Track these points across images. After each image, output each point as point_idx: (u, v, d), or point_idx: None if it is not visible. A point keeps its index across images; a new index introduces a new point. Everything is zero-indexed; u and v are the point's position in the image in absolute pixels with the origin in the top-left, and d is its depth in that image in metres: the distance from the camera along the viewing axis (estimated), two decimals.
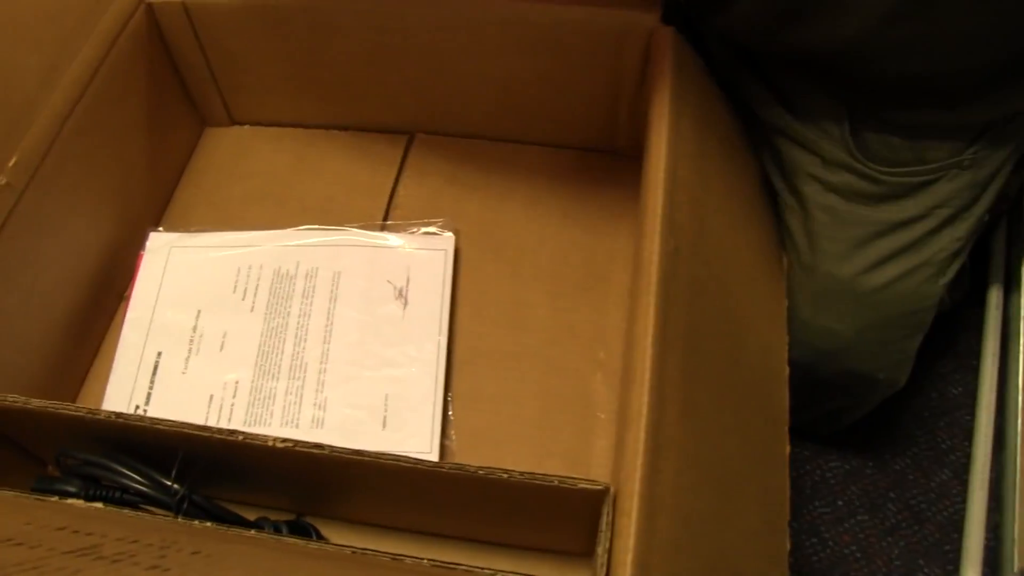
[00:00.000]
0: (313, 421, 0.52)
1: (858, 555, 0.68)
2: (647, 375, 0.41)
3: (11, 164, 0.50)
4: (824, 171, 0.55)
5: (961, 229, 0.55)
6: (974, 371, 0.74)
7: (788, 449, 0.53)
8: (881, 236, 0.55)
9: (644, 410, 0.40)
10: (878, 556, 0.67)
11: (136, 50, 0.59)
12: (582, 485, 0.40)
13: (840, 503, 0.68)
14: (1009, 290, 0.73)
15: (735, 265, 0.54)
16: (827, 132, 0.54)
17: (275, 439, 0.41)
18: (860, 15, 0.46)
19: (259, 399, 0.53)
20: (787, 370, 0.55)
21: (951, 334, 0.76)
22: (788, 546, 0.51)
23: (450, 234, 0.58)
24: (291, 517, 0.49)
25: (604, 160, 0.62)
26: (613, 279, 0.56)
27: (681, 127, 0.50)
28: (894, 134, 0.53)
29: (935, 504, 0.68)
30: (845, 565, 0.67)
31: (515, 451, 0.51)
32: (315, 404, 0.53)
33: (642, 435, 0.39)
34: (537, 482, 0.40)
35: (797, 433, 0.58)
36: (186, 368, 0.55)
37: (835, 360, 0.58)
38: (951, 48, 0.47)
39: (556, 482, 0.40)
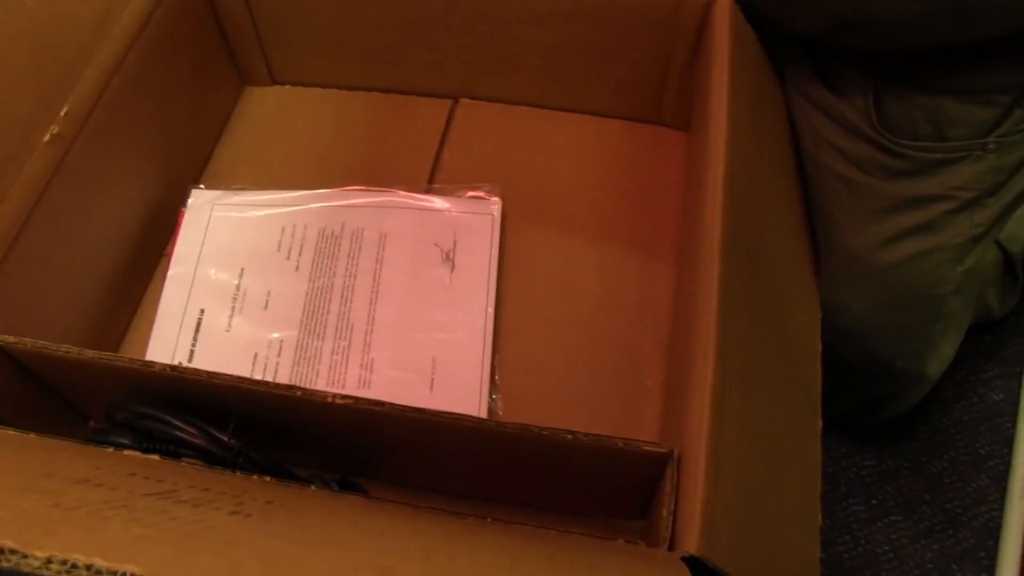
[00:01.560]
0: (360, 382, 0.52)
1: (890, 555, 0.68)
2: (713, 342, 0.41)
3: (63, 113, 0.49)
4: (845, 141, 0.55)
5: (982, 216, 0.55)
6: (1017, 378, 0.74)
7: (820, 423, 0.54)
8: (897, 211, 0.55)
9: (710, 376, 0.40)
10: (911, 558, 0.67)
11: (183, 5, 0.58)
12: (647, 448, 0.40)
13: (874, 502, 0.68)
14: None
15: (782, 239, 0.54)
16: (851, 102, 0.54)
17: (334, 395, 0.41)
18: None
19: (304, 358, 0.53)
20: (820, 346, 0.55)
21: (997, 339, 0.76)
22: (820, 518, 0.52)
23: (497, 199, 0.58)
24: (337, 477, 0.50)
25: (650, 131, 0.62)
26: (659, 248, 0.56)
27: (739, 100, 0.50)
28: (917, 107, 0.52)
29: (971, 509, 0.68)
30: (877, 565, 0.67)
31: (562, 417, 0.51)
32: (361, 365, 0.53)
33: (708, 401, 0.40)
34: (602, 444, 0.40)
35: (835, 426, 0.58)
36: (229, 326, 0.55)
37: (853, 340, 0.58)
38: (984, 16, 0.46)
39: (621, 444, 0.40)
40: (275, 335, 0.54)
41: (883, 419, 0.65)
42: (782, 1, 0.51)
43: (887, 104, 0.51)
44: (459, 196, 0.58)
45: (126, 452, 0.41)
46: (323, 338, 0.53)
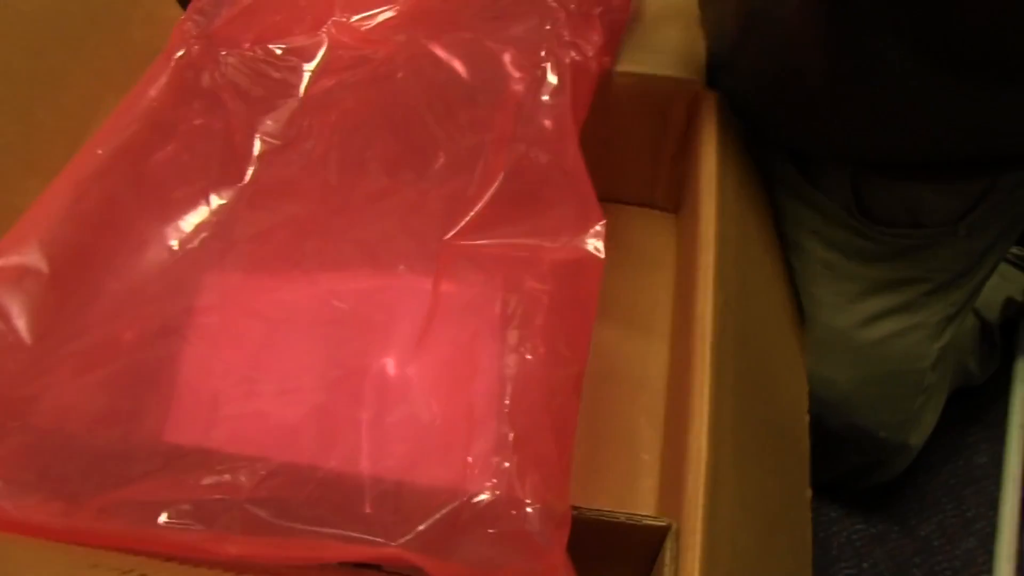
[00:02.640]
0: None
1: None
2: (706, 420, 0.44)
3: None
4: (825, 227, 0.58)
5: (956, 295, 0.58)
6: (1001, 441, 0.75)
7: (810, 492, 0.56)
8: (876, 293, 0.58)
9: (704, 451, 0.43)
10: None
11: None
12: (647, 522, 0.42)
13: (865, 565, 0.69)
14: None
15: (770, 318, 0.57)
16: (832, 192, 0.57)
17: None
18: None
19: None
20: (807, 418, 0.58)
21: (980, 404, 0.77)
22: None
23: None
24: None
25: (643, 214, 0.65)
26: (655, 327, 0.59)
27: (726, 187, 0.54)
28: (895, 198, 0.55)
29: (960, 572, 0.69)
30: None
31: None
32: None
33: (703, 475, 0.42)
34: (604, 518, 0.42)
35: (825, 491, 0.60)
36: None
37: (837, 412, 0.61)
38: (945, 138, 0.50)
39: (623, 519, 0.42)
40: None
41: (871, 485, 0.67)
42: (799, 135, 0.55)
43: (865, 194, 0.55)
44: None
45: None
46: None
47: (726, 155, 0.56)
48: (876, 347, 0.58)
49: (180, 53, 0.51)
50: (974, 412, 0.77)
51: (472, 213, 0.42)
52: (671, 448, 0.52)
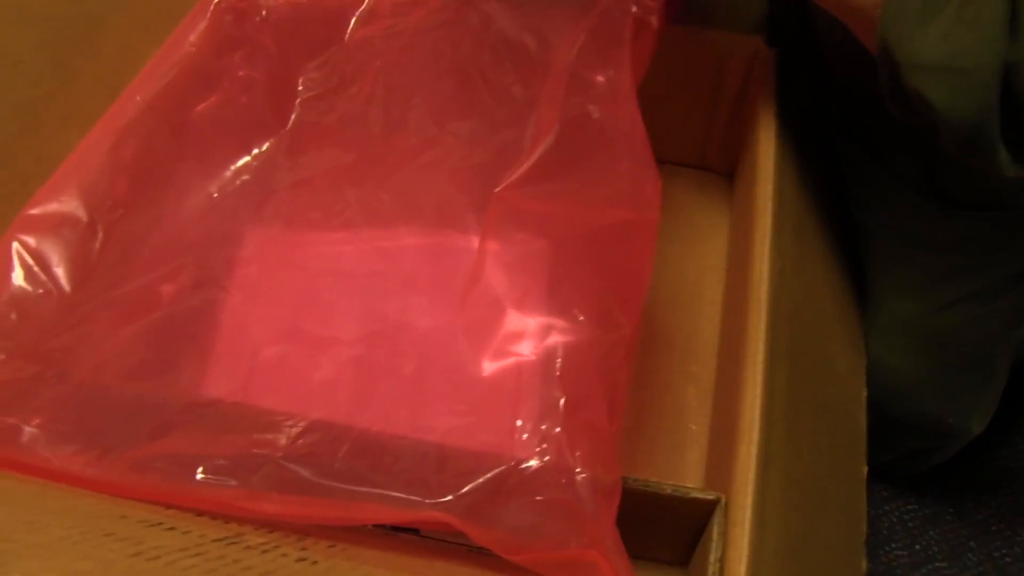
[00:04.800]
0: None
1: None
2: (759, 390, 0.42)
3: None
4: (896, 210, 0.55)
5: None
6: None
7: (865, 470, 0.54)
8: (950, 279, 0.55)
9: (756, 424, 0.41)
10: None
11: None
12: (695, 495, 0.41)
13: (917, 547, 0.67)
14: None
15: (826, 289, 0.55)
16: (903, 168, 0.54)
17: None
18: None
19: None
20: (865, 392, 0.56)
21: None
22: (864, 565, 0.52)
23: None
24: None
25: (695, 175, 0.63)
26: (705, 294, 0.57)
27: (785, 151, 0.52)
28: (971, 179, 0.52)
29: (1021, 560, 0.66)
30: None
31: None
32: None
33: (754, 449, 0.40)
34: (650, 489, 0.41)
35: (877, 473, 0.58)
36: None
37: (903, 400, 0.58)
38: None
39: (669, 491, 0.41)
40: None
41: (924, 469, 0.65)
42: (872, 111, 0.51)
43: (941, 174, 0.52)
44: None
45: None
46: None
47: (785, 118, 0.53)
48: (948, 335, 0.55)
49: (216, 7, 0.49)
50: None
51: (524, 168, 0.40)
52: (720, 419, 0.50)
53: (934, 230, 0.54)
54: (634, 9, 0.47)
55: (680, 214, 0.61)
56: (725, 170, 0.63)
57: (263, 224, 0.47)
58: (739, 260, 0.52)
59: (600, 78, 0.44)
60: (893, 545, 0.66)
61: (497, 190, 0.40)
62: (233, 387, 0.43)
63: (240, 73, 0.50)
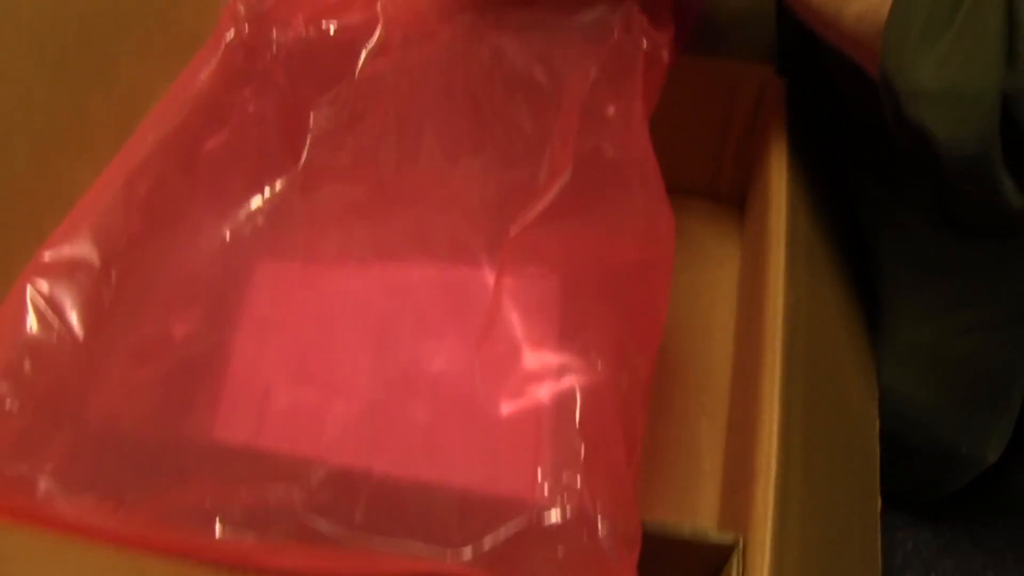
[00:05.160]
0: None
1: None
2: (776, 428, 0.42)
3: None
4: (907, 237, 0.54)
5: None
6: None
7: (879, 504, 0.54)
8: (963, 307, 0.54)
9: (773, 464, 0.41)
10: None
11: None
12: (713, 539, 0.40)
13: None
14: None
15: (839, 319, 0.55)
16: (915, 195, 0.53)
17: None
18: None
19: None
20: (878, 423, 0.55)
21: None
22: None
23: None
24: None
25: (705, 204, 0.63)
26: (717, 324, 0.57)
27: (797, 181, 0.51)
28: (980, 207, 0.50)
29: None
30: None
31: None
32: None
33: (772, 489, 0.40)
34: (668, 532, 0.40)
35: (891, 502, 0.58)
36: None
37: (917, 429, 0.57)
38: None
39: (688, 535, 0.40)
40: None
41: (939, 497, 0.65)
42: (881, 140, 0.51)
43: (952, 200, 0.52)
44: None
45: None
46: None
47: (797, 148, 0.53)
48: (962, 364, 0.55)
49: (230, 35, 0.49)
50: None
51: (538, 209, 0.40)
52: (735, 456, 0.50)
53: (947, 257, 0.54)
54: (645, 43, 0.47)
55: (691, 243, 0.61)
56: (736, 199, 0.62)
57: (275, 261, 0.47)
58: (752, 291, 0.52)
59: (612, 114, 0.44)
60: (908, 574, 0.65)
61: (513, 232, 0.40)
62: (247, 430, 0.43)
63: (251, 109, 0.49)
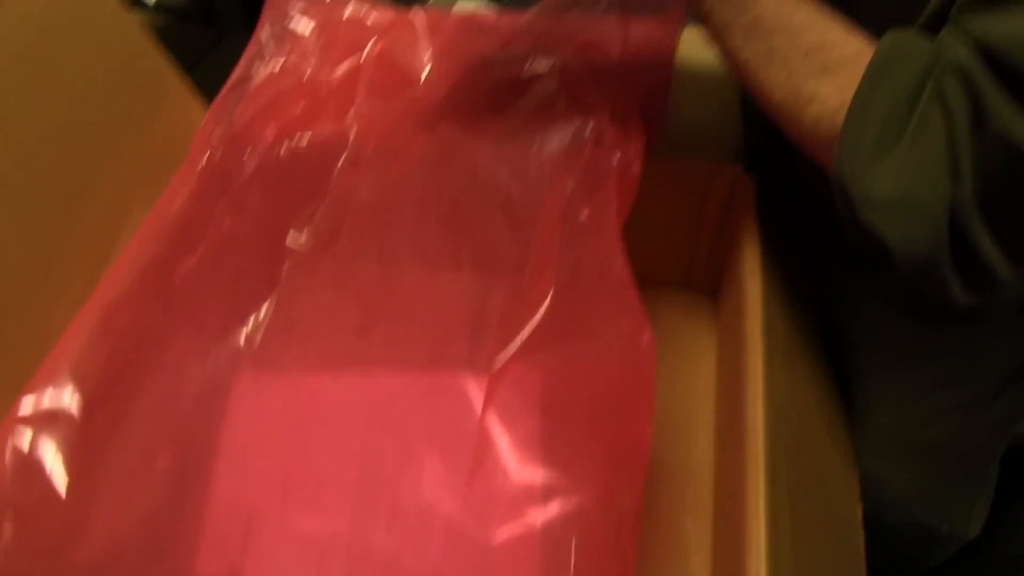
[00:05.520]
0: None
1: None
2: (763, 524, 0.42)
3: None
4: (879, 324, 0.55)
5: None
6: None
7: None
8: (935, 391, 0.55)
9: (764, 560, 0.41)
10: None
11: None
12: None
13: None
14: None
15: (819, 412, 0.55)
16: (882, 286, 0.53)
17: None
18: None
19: None
20: (860, 512, 0.56)
21: None
22: None
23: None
24: None
25: (681, 295, 0.64)
26: (697, 417, 0.58)
27: (770, 274, 0.52)
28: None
29: None
30: None
31: None
32: None
33: None
34: None
35: (874, 570, 0.58)
36: None
37: (898, 511, 0.58)
38: None
39: None
40: None
41: (924, 571, 0.65)
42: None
43: (915, 290, 0.52)
44: None
45: None
46: None
47: (767, 241, 0.54)
48: (940, 445, 0.55)
49: (204, 161, 0.49)
50: None
51: (519, 341, 0.40)
52: (722, 550, 0.50)
53: (919, 343, 0.55)
54: (617, 158, 0.48)
55: (668, 334, 0.62)
56: (710, 288, 0.63)
57: (255, 373, 0.47)
58: (732, 391, 0.52)
59: (589, 234, 0.45)
60: None
61: (496, 366, 0.40)
62: (229, 562, 0.42)
63: (227, 232, 0.49)
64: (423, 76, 0.58)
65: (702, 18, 0.45)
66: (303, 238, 0.49)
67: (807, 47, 0.41)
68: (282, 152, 0.52)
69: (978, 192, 0.36)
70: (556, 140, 0.48)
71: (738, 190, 0.56)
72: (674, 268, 0.62)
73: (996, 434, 0.56)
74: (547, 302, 0.41)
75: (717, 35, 0.45)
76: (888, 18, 0.42)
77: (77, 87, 0.50)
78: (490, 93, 0.53)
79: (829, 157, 0.41)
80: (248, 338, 0.48)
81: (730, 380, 0.54)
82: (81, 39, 0.51)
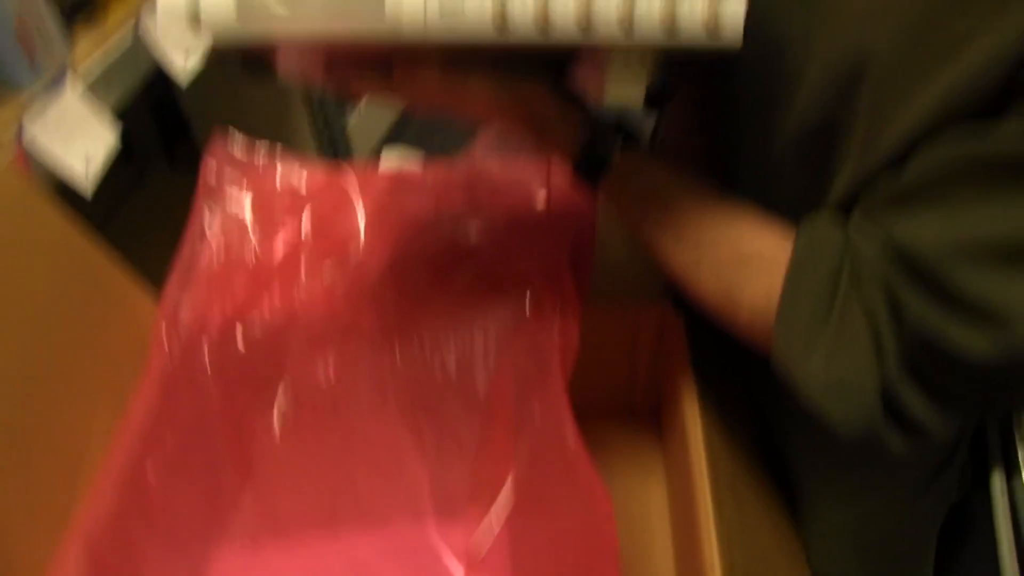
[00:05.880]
0: None
1: None
2: None
3: None
4: (814, 436, 0.57)
5: (950, 477, 0.58)
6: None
7: None
8: (872, 492, 0.59)
9: None
10: None
11: None
12: None
13: None
14: (1011, 474, 0.74)
15: (769, 531, 0.58)
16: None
17: None
18: None
19: None
20: None
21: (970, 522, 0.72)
22: None
23: None
24: None
25: (623, 421, 0.67)
26: (655, 532, 0.61)
27: (707, 402, 0.56)
28: None
29: None
30: None
31: None
32: None
33: None
34: None
35: None
36: None
37: None
38: None
39: None
40: None
41: None
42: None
43: None
44: None
45: None
46: None
47: (700, 370, 0.58)
48: (881, 540, 0.60)
49: (163, 366, 0.51)
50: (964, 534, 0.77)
51: (486, 524, 0.43)
52: None
53: (850, 453, 0.59)
54: (557, 328, 0.51)
55: (615, 459, 0.65)
56: (652, 410, 0.67)
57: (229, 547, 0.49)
58: (684, 519, 0.56)
59: (542, 412, 0.48)
60: None
61: (473, 555, 0.43)
62: None
63: (195, 431, 0.51)
64: (360, 242, 0.60)
65: (622, 219, 0.49)
66: (268, 425, 0.51)
67: (731, 257, 0.46)
68: (237, 341, 0.54)
69: (902, 362, 0.41)
70: (498, 316, 0.51)
71: (668, 326, 0.60)
72: (615, 397, 0.66)
73: (929, 523, 0.60)
74: (507, 489, 0.44)
75: (641, 239, 0.49)
76: (799, 197, 0.47)
77: (26, 304, 0.51)
78: (429, 263, 0.57)
79: (767, 348, 0.46)
80: (227, 526, 0.50)
81: (682, 504, 0.57)
82: (18, 254, 0.52)
